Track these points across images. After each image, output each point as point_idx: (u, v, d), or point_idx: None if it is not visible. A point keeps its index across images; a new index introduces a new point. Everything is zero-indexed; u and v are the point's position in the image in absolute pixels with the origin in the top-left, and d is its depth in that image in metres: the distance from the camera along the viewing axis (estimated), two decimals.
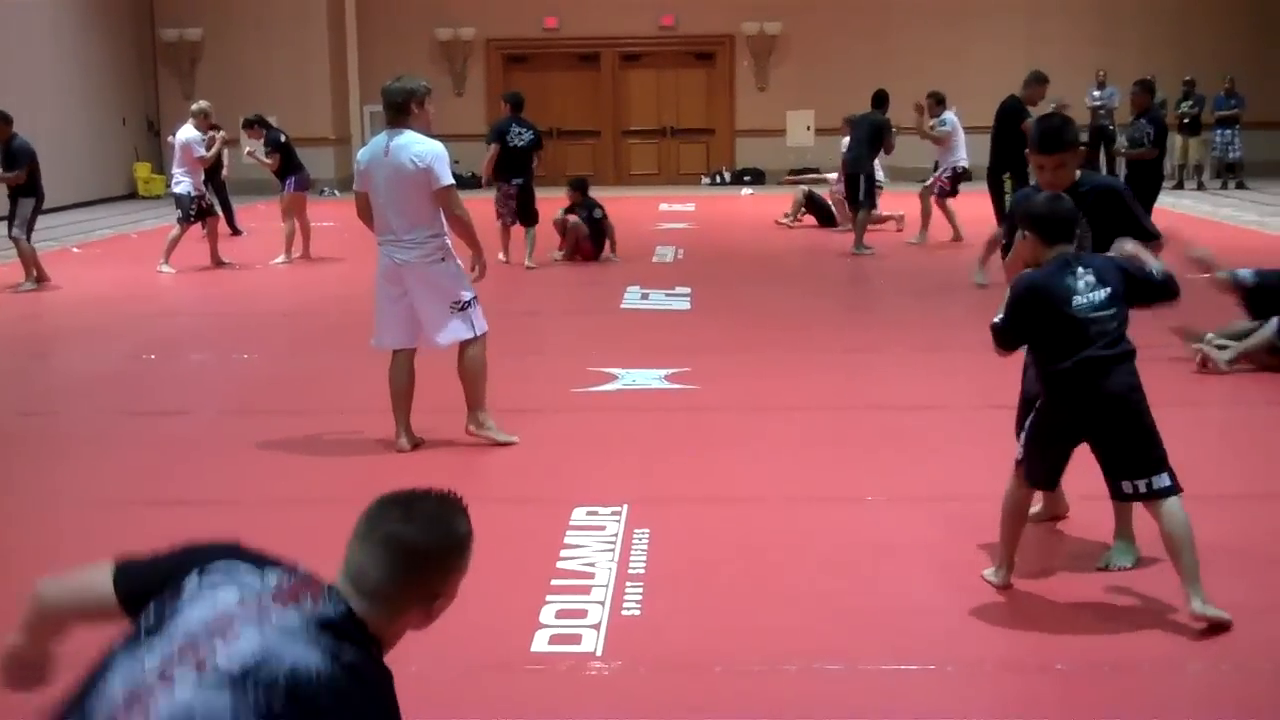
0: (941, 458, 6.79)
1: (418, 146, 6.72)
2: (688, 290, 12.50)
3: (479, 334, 6.98)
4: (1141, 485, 4.61)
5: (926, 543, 5.50)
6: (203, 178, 15.03)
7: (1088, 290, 4.60)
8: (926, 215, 15.91)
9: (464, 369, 7.03)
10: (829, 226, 17.69)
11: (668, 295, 12.28)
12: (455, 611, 4.76)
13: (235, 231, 18.05)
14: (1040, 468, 4.83)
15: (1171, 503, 4.58)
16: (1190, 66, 24.06)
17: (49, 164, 14.53)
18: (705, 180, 26.44)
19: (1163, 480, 4.59)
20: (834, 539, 5.57)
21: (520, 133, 14.19)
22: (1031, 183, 5.54)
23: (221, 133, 15.91)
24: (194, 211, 14.74)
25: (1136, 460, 4.62)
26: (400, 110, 6.77)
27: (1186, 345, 8.57)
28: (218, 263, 14.94)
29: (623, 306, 11.79)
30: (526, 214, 14.27)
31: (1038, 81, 12.60)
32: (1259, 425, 7.54)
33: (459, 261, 6.99)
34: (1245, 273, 8.75)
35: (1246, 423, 7.66)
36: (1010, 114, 12.36)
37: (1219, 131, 23.59)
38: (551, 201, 15.28)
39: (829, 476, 6.52)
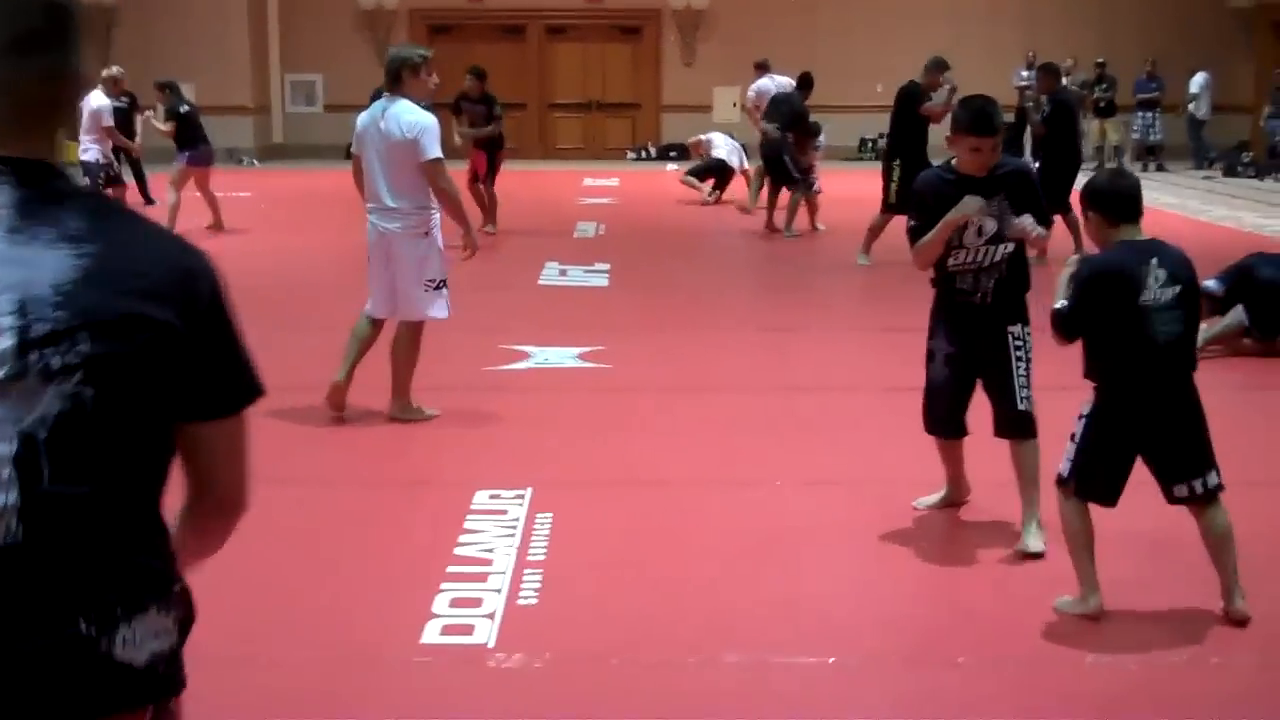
0: (851, 440, 6.70)
1: (408, 116, 6.63)
2: (607, 266, 12.36)
3: (438, 317, 6.90)
4: (1197, 486, 4.36)
5: (834, 529, 5.41)
6: (111, 145, 14.65)
7: (1157, 286, 4.27)
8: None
9: (401, 350, 6.93)
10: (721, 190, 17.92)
11: (586, 271, 12.13)
12: (345, 601, 4.66)
13: (148, 201, 17.66)
14: (1100, 479, 4.39)
15: (1216, 501, 4.39)
16: (1112, 49, 24.21)
17: None
18: (631, 155, 26.25)
19: (1213, 479, 4.37)
20: (741, 525, 5.46)
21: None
22: (936, 164, 5.44)
23: (149, 113, 15.52)
24: (102, 180, 14.38)
25: (1192, 461, 4.37)
26: (394, 78, 6.70)
27: None
28: None
29: (540, 282, 11.62)
30: None
31: (937, 68, 12.49)
32: (1236, 410, 7.44)
33: (439, 241, 6.87)
34: (1211, 284, 8.66)
35: (1221, 409, 7.58)
36: (908, 99, 12.25)
37: (1140, 114, 23.77)
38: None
39: (738, 459, 6.41)
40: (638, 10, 26.16)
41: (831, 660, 4.20)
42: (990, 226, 5.03)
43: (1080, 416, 4.42)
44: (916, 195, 5.20)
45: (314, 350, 8.87)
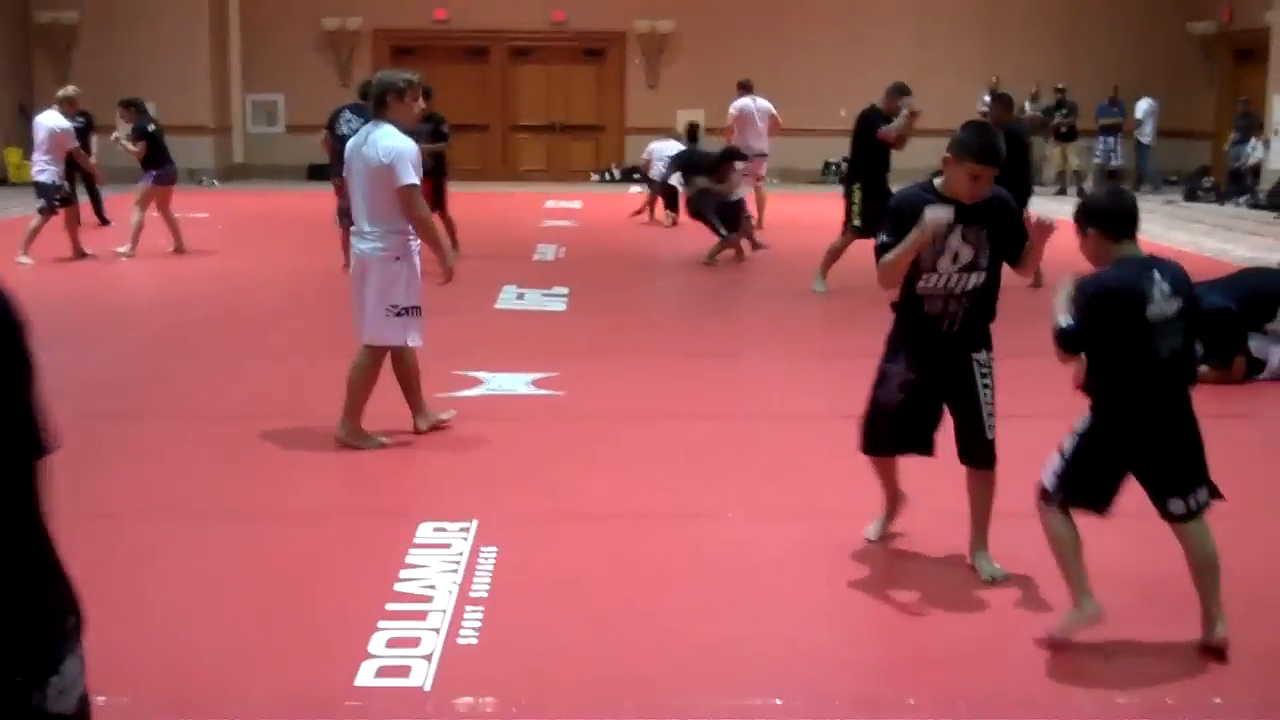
0: (805, 470, 6.59)
1: (386, 141, 6.62)
2: (565, 290, 12.24)
3: (409, 345, 6.91)
4: (1192, 502, 4.35)
5: (785, 564, 5.30)
6: (64, 166, 14.43)
7: (1162, 300, 4.27)
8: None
9: (400, 375, 7.03)
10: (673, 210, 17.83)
11: (544, 295, 12.01)
12: (278, 641, 4.51)
13: (103, 221, 17.48)
14: (1090, 487, 4.38)
15: (1202, 519, 4.39)
16: (1075, 74, 24.32)
17: None
18: (595, 177, 26.19)
19: (1204, 495, 4.38)
20: (691, 560, 5.33)
21: (351, 120, 12.53)
22: (898, 190, 5.32)
23: (115, 134, 15.26)
24: (58, 200, 14.21)
25: (1185, 476, 4.36)
26: (378, 103, 6.74)
27: None
28: (80, 254, 14.39)
29: (496, 306, 11.49)
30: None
31: (898, 93, 12.43)
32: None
33: (415, 268, 6.83)
34: None
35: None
36: (867, 123, 12.19)
37: (1101, 139, 23.84)
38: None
39: (690, 490, 6.29)
40: (602, 33, 26.10)
41: (778, 702, 4.08)
42: (967, 254, 4.92)
43: (1074, 432, 4.40)
44: (893, 211, 4.99)
45: (255, 378, 8.76)
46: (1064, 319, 4.35)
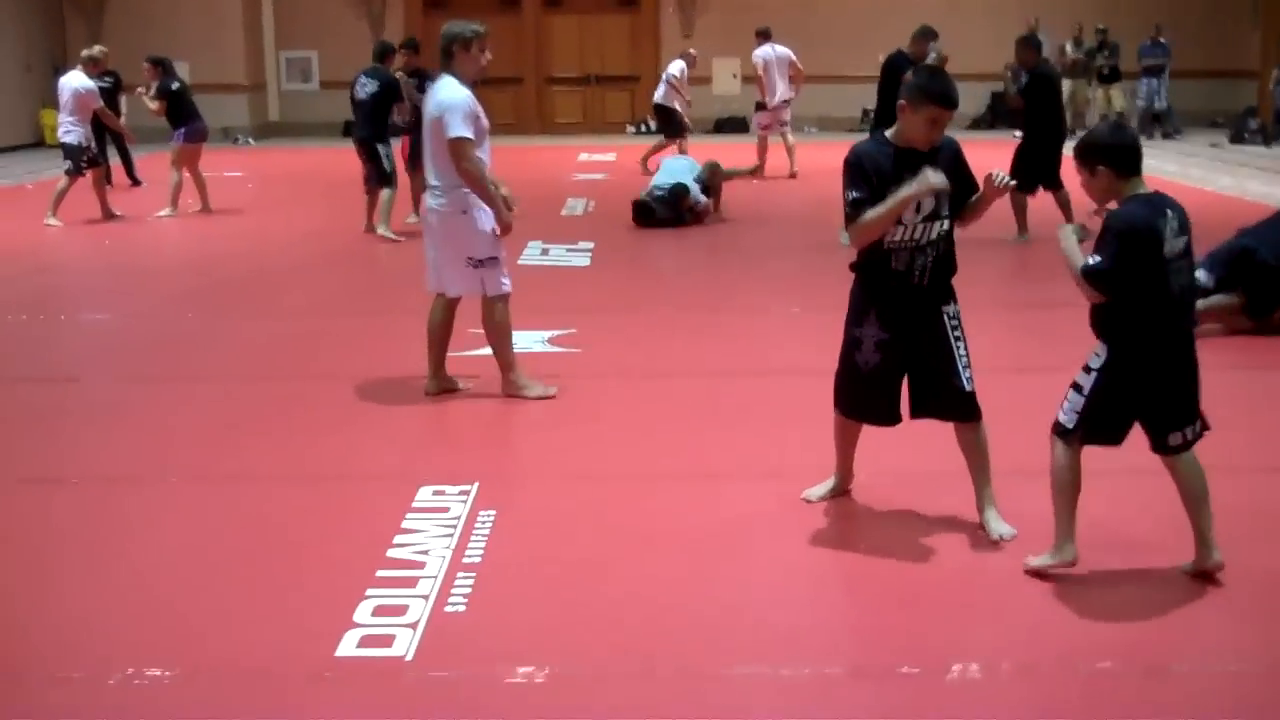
0: (815, 429, 6.41)
1: (442, 94, 6.63)
2: (590, 245, 12.09)
3: (492, 294, 6.87)
4: (1189, 433, 4.45)
5: (786, 527, 5.14)
6: (90, 128, 14.36)
7: (1173, 237, 4.31)
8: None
9: (486, 329, 7.01)
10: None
11: (569, 250, 11.86)
12: (263, 610, 4.41)
13: (135, 182, 17.46)
14: (1108, 424, 4.43)
15: (1193, 451, 4.48)
16: (1115, 14, 23.82)
17: None
18: (630, 129, 25.96)
19: (1198, 427, 4.48)
20: (691, 522, 5.18)
21: (365, 83, 12.85)
22: (853, 145, 5.10)
23: (139, 91, 15.18)
24: (85, 162, 14.17)
25: (1185, 409, 4.44)
26: (445, 54, 6.72)
27: None
28: (108, 215, 14.37)
29: (520, 262, 11.33)
30: (380, 176, 12.78)
31: (924, 36, 12.18)
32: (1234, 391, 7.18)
33: (485, 217, 6.74)
34: (1201, 275, 8.34)
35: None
36: (894, 69, 11.93)
37: (1145, 81, 23.40)
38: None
39: (702, 451, 6.13)
40: None
41: (785, 670, 3.94)
42: (929, 203, 4.77)
43: (1088, 369, 4.42)
44: (855, 167, 4.85)
45: (268, 338, 8.67)
46: (1091, 259, 4.31)
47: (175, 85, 14.88)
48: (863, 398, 5.05)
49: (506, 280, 6.91)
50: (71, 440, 6.44)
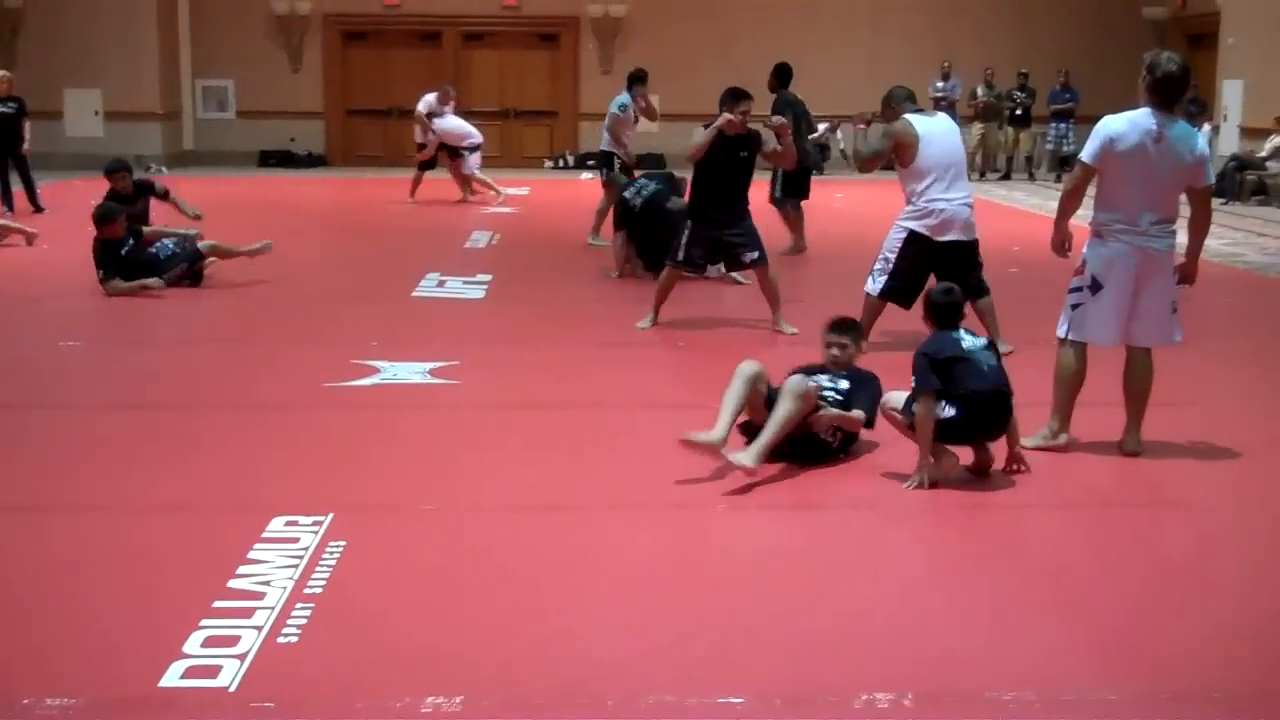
0: (680, 460, 6.44)
1: None
2: (488, 278, 12.09)
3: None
4: None
5: (638, 558, 5.17)
6: None
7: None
8: None
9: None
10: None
11: (465, 283, 11.85)
12: (92, 641, 4.37)
13: (37, 209, 17.26)
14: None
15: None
16: (1027, 59, 24.26)
17: None
18: (548, 164, 26.02)
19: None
20: (547, 553, 5.19)
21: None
22: None
23: None
24: None
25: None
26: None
27: None
28: None
29: (414, 294, 11.32)
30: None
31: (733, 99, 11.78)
32: None
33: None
34: None
35: None
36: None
37: (1053, 125, 23.82)
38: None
39: (563, 482, 6.15)
40: (555, 18, 25.91)
41: (609, 703, 3.96)
42: None
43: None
44: None
45: (140, 369, 8.59)
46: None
47: None
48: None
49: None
50: None
